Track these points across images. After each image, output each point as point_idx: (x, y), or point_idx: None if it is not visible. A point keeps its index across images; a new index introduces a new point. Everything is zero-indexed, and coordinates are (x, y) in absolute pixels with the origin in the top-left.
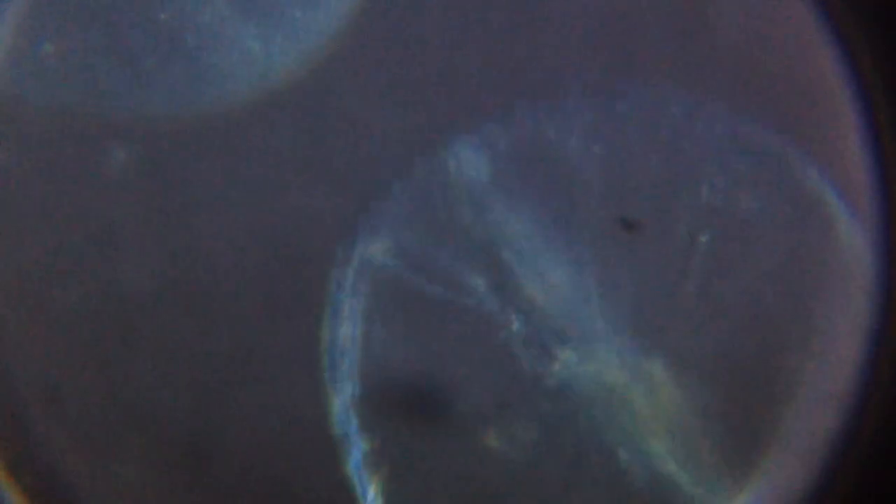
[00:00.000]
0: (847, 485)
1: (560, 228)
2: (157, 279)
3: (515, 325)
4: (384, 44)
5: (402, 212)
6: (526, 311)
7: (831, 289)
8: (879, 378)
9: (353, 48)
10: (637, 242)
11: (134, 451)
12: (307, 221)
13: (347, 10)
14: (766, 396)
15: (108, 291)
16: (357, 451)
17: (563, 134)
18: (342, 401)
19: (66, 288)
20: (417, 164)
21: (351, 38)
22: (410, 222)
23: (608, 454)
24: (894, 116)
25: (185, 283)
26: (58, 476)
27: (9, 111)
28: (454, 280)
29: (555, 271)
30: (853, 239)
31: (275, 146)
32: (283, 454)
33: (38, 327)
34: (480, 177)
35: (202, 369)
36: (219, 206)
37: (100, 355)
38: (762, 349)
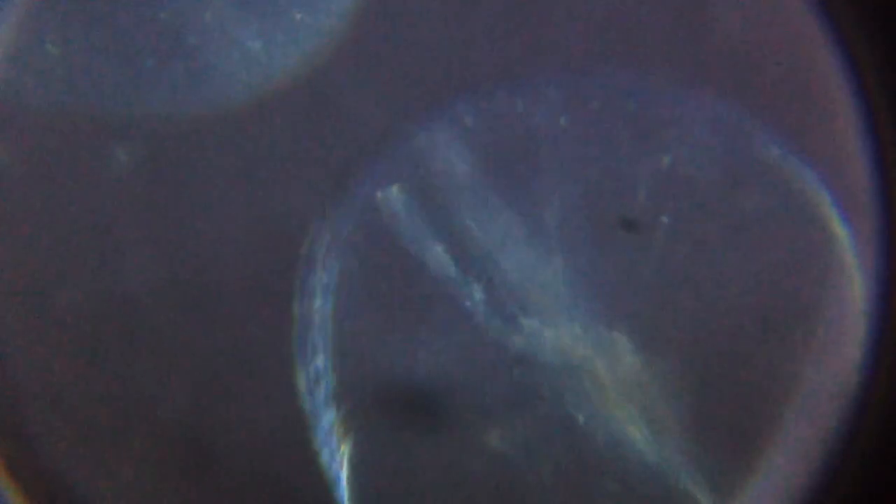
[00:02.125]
0: (847, 485)
1: (558, 227)
2: (157, 279)
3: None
4: (384, 44)
5: (391, 205)
6: (513, 305)
7: (830, 289)
8: (879, 378)
9: (353, 48)
10: (633, 242)
11: (134, 451)
12: (308, 221)
13: (348, 10)
14: (766, 396)
15: (108, 291)
16: (343, 448)
17: (559, 130)
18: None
19: (66, 288)
20: (417, 162)
21: (351, 38)
22: (399, 216)
23: (610, 454)
24: (894, 116)
25: (185, 283)
26: (58, 476)
27: (9, 111)
28: (441, 274)
29: (546, 268)
30: (852, 239)
31: (275, 146)
32: (284, 454)
33: (38, 327)
34: (474, 171)
35: (202, 369)
36: (219, 205)
37: (100, 355)
38: (762, 349)
